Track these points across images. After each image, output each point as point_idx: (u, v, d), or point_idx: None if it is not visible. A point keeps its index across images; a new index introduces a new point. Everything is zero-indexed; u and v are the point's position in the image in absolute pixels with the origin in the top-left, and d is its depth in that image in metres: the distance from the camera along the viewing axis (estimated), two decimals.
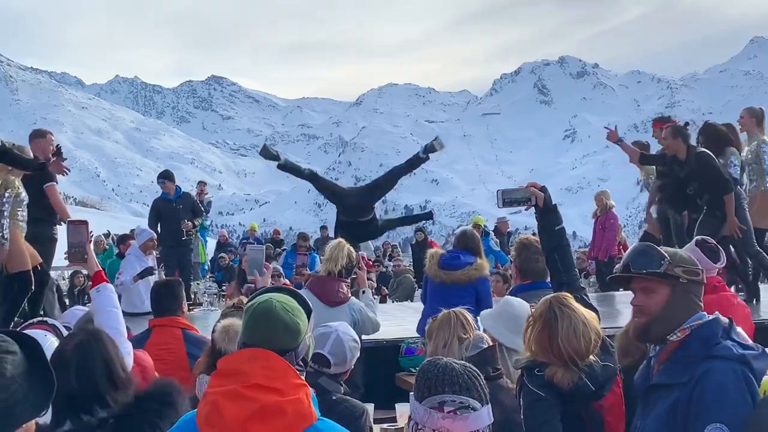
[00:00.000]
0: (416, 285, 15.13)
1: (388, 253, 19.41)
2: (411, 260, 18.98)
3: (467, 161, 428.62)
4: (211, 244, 20.10)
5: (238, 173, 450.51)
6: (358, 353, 4.62)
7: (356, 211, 11.15)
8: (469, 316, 4.84)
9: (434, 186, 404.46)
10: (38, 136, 9.16)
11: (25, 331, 3.86)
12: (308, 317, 3.15)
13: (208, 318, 10.33)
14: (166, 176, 12.95)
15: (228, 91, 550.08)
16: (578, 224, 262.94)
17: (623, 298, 11.26)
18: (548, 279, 5.51)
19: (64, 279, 17.01)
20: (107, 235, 17.57)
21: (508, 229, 19.32)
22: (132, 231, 14.82)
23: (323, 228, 22.86)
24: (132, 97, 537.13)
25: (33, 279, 8.35)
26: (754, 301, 9.93)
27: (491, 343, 4.73)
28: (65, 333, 4.09)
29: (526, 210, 5.70)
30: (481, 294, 7.32)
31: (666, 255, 3.40)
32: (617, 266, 3.47)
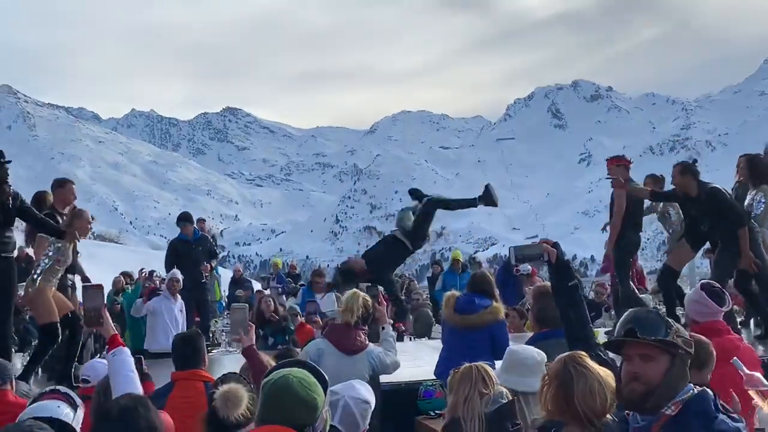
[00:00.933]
0: (434, 320, 14.94)
1: (405, 286, 19.06)
2: (428, 292, 18.65)
3: (482, 187, 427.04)
4: (225, 276, 19.99)
5: (254, 203, 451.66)
6: (371, 411, 4.51)
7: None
8: (491, 371, 4.83)
9: (450, 212, 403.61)
10: (58, 186, 9.24)
11: (37, 403, 4.08)
12: (324, 391, 3.12)
13: (223, 361, 10.32)
14: (185, 218, 13.14)
15: (243, 122, 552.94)
16: (595, 248, 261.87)
17: None
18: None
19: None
20: (127, 274, 17.31)
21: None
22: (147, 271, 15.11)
23: (345, 263, 22.70)
24: (148, 130, 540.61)
25: (60, 330, 8.47)
26: None
27: (510, 398, 4.72)
28: (78, 401, 4.06)
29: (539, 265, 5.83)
30: (498, 337, 7.26)
31: (671, 322, 3.35)
32: (618, 330, 3.34)
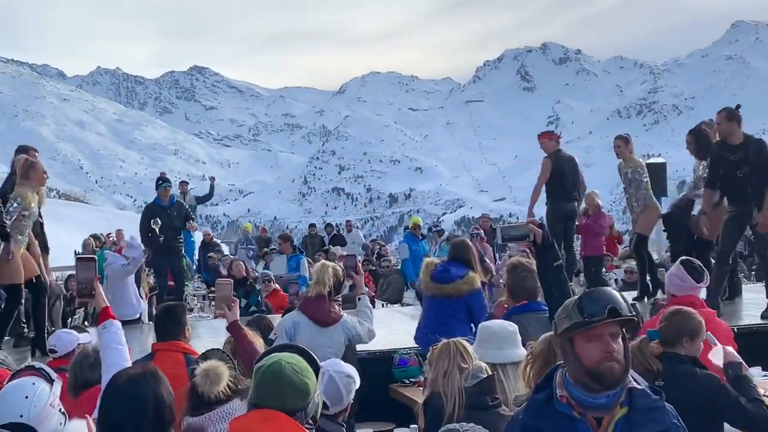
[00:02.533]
0: (405, 285, 15.00)
1: (376, 252, 19.12)
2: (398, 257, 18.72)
3: (451, 149, 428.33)
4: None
5: (221, 163, 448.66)
6: (355, 386, 4.55)
7: None
8: (469, 347, 4.90)
9: (418, 174, 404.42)
10: (20, 152, 9.17)
11: (11, 382, 4.06)
12: (317, 375, 3.17)
13: (198, 328, 10.32)
14: (165, 181, 13.11)
15: (210, 81, 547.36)
16: None
17: None
18: (540, 298, 5.83)
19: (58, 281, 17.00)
20: (96, 237, 17.20)
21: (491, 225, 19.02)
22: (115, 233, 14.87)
23: (312, 226, 22.57)
24: (114, 88, 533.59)
25: (22, 293, 8.43)
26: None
27: (490, 373, 4.78)
28: (54, 375, 4.10)
29: (523, 247, 5.82)
30: (474, 307, 7.29)
31: (634, 303, 3.42)
32: (592, 310, 3.26)
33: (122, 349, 4.86)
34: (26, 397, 3.83)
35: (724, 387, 4.86)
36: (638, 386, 3.33)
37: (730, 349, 5.08)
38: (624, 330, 3.32)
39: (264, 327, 6.79)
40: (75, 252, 18.57)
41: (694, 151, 10.53)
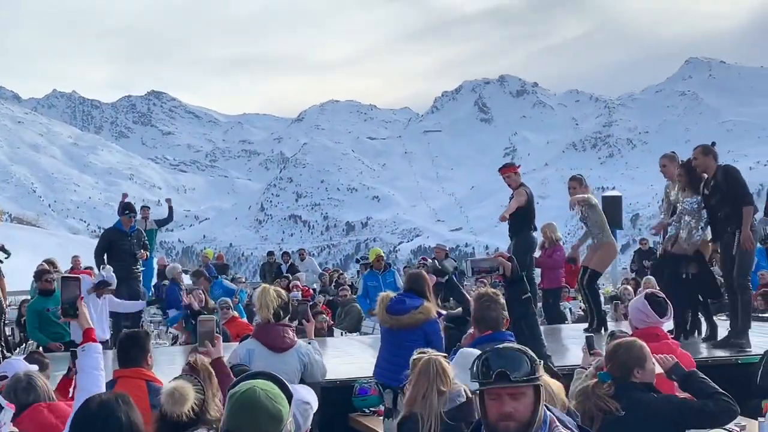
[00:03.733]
0: (363, 314, 14.95)
1: (335, 280, 19.03)
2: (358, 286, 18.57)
3: (408, 178, 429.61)
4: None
5: (177, 189, 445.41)
6: (312, 411, 4.51)
7: None
8: (448, 367, 4.90)
9: (375, 203, 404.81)
10: None
11: None
12: (289, 402, 3.20)
13: (155, 354, 10.21)
14: (130, 210, 13.25)
15: (168, 106, 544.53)
16: None
17: (569, 332, 11.54)
18: (504, 329, 5.93)
19: (10, 306, 16.69)
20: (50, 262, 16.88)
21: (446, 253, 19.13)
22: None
23: (270, 254, 22.41)
24: (70, 111, 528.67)
25: None
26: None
27: (470, 396, 4.77)
28: (3, 402, 4.21)
29: (495, 279, 5.81)
30: (430, 336, 7.29)
31: (535, 357, 3.39)
32: (482, 371, 3.34)
33: (97, 375, 4.81)
34: None
35: (683, 402, 4.98)
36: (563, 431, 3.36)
37: (663, 356, 5.23)
38: (536, 386, 3.34)
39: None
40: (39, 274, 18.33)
41: (685, 183, 10.16)
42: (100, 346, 4.98)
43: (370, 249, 17.29)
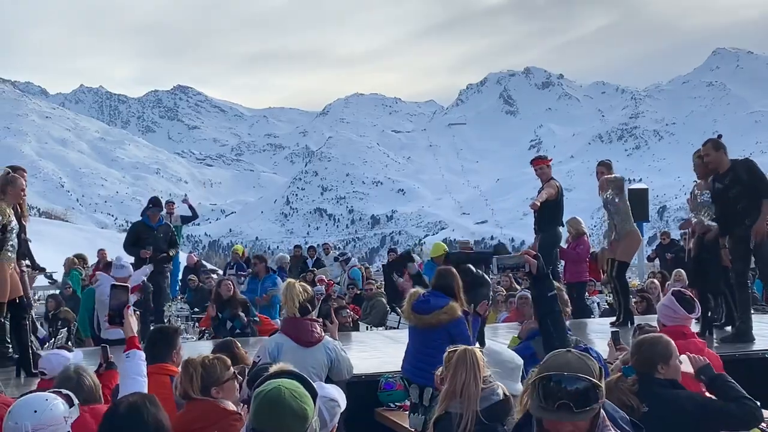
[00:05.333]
0: (388, 308, 14.96)
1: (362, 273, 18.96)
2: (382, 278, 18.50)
3: (433, 171, 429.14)
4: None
5: (204, 183, 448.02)
6: (340, 410, 4.45)
7: None
8: (481, 358, 4.89)
9: (401, 196, 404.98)
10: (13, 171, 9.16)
11: (24, 397, 4.25)
12: (314, 401, 3.22)
13: (183, 351, 10.27)
14: (156, 204, 13.29)
15: (194, 100, 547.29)
16: None
17: (595, 326, 11.48)
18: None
19: (39, 301, 16.85)
20: (80, 256, 16.99)
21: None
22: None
23: (297, 247, 22.28)
24: (97, 106, 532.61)
25: (4, 311, 8.44)
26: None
27: (506, 395, 4.79)
28: (76, 401, 4.23)
29: (520, 276, 5.72)
30: (455, 336, 7.15)
31: (598, 382, 3.37)
32: (545, 400, 3.33)
33: (141, 381, 4.91)
34: (35, 411, 4.03)
35: (707, 402, 4.96)
36: None
37: (695, 356, 5.19)
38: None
39: (228, 349, 6.46)
40: (49, 276, 18.47)
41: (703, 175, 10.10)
42: (143, 354, 5.08)
43: (431, 243, 16.90)
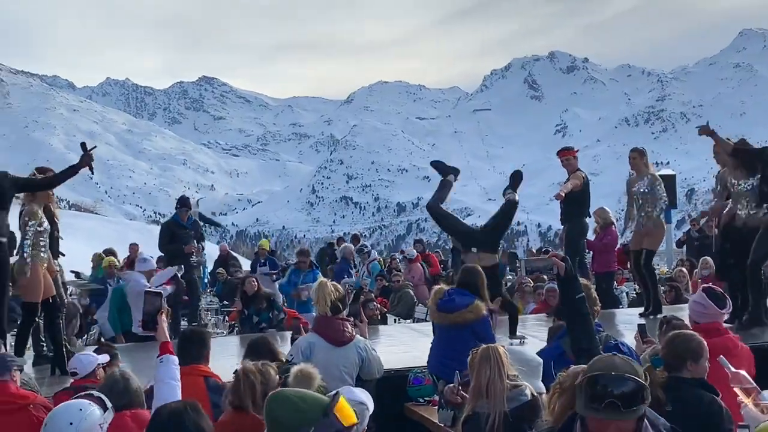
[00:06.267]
0: (416, 300, 14.99)
1: (388, 265, 18.97)
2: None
3: (458, 157, 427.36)
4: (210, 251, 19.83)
5: (230, 173, 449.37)
6: (368, 412, 4.52)
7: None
8: (504, 355, 4.92)
9: (426, 182, 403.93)
10: (39, 173, 9.26)
11: (60, 406, 4.37)
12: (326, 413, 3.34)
13: (213, 346, 10.33)
14: (185, 204, 13.64)
15: (219, 91, 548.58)
16: None
17: (623, 317, 11.42)
18: (596, 320, 5.97)
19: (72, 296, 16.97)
20: (110, 252, 17.02)
21: None
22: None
23: (330, 245, 21.99)
24: (123, 99, 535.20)
25: (38, 311, 8.57)
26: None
27: (535, 395, 4.81)
28: (109, 404, 4.32)
29: (549, 279, 5.72)
30: (480, 335, 7.23)
31: (644, 383, 3.40)
32: (593, 397, 3.35)
33: (175, 385, 4.97)
34: (71, 424, 4.13)
35: (723, 412, 4.88)
36: None
37: (743, 373, 5.01)
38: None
39: (263, 348, 6.60)
40: (75, 273, 18.64)
41: (737, 164, 9.94)
42: (176, 359, 5.13)
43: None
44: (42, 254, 8.52)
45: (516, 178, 10.68)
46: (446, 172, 10.77)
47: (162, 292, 5.53)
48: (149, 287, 10.74)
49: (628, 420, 3.33)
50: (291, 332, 8.34)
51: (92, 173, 8.76)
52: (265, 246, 17.85)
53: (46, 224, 8.65)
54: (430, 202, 10.62)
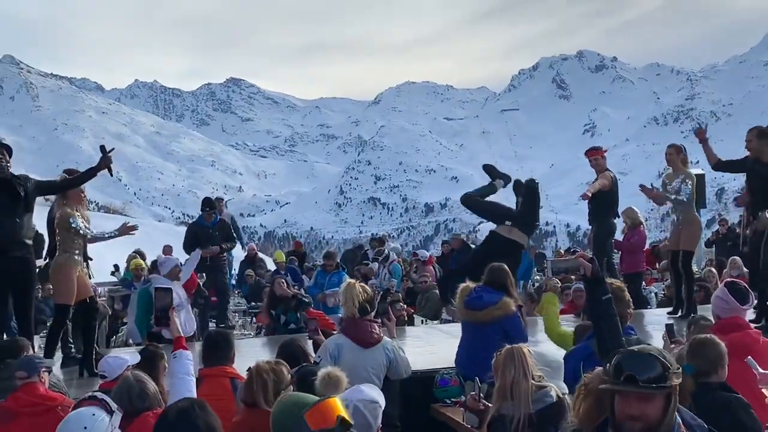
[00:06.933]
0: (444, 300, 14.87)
1: (415, 266, 18.83)
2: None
3: (486, 158, 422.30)
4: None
5: (258, 174, 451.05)
6: (381, 409, 4.52)
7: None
8: (529, 355, 4.95)
9: (454, 183, 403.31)
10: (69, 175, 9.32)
11: (73, 411, 4.38)
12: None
13: (240, 346, 10.33)
14: (210, 206, 13.42)
15: (247, 92, 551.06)
16: None
17: (652, 318, 11.30)
18: (628, 322, 5.92)
19: (101, 298, 17.03)
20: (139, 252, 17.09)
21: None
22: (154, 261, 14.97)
23: (359, 247, 21.74)
24: (152, 101, 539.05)
25: (69, 313, 8.63)
26: None
27: (560, 397, 4.79)
28: (114, 406, 4.33)
29: (575, 279, 5.60)
30: (510, 332, 7.20)
31: (668, 364, 3.38)
32: (612, 372, 3.40)
33: (189, 380, 5.04)
34: (85, 428, 4.15)
35: (749, 408, 4.86)
36: None
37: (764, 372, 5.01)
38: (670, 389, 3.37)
39: (297, 350, 6.65)
40: (115, 266, 18.70)
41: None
42: (190, 354, 5.20)
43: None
44: (75, 257, 8.57)
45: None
46: (496, 176, 10.85)
47: (171, 287, 5.56)
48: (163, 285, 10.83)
49: (647, 395, 3.33)
50: (308, 332, 8.27)
51: (111, 174, 8.85)
52: (280, 258, 17.80)
53: (83, 221, 8.71)
54: (465, 194, 10.83)
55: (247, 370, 5.18)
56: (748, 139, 9.86)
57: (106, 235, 8.95)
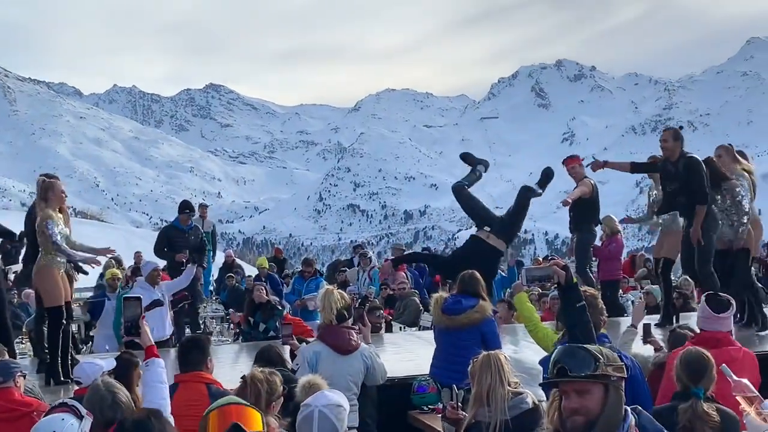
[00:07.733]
0: (422, 307, 14.84)
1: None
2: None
3: (466, 166, 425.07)
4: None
5: (237, 181, 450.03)
6: (346, 412, 4.51)
7: None
8: (506, 362, 4.96)
9: (433, 191, 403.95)
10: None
11: (44, 418, 4.43)
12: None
13: (218, 353, 10.26)
14: (187, 208, 13.24)
15: (226, 98, 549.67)
16: None
17: (627, 325, 11.31)
18: (603, 330, 6.04)
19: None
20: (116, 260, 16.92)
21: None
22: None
23: (358, 246, 21.61)
24: (130, 106, 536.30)
25: (63, 314, 8.60)
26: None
27: (536, 403, 4.80)
28: (84, 411, 4.34)
29: (550, 286, 5.66)
30: (487, 335, 7.34)
31: (599, 355, 3.45)
32: (549, 369, 3.53)
33: (162, 387, 5.05)
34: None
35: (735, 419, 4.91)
36: None
37: (746, 381, 4.97)
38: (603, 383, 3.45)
39: (274, 356, 6.76)
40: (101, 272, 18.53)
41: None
42: (162, 361, 5.17)
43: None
44: (59, 259, 8.52)
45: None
46: (475, 163, 10.95)
47: (141, 297, 5.52)
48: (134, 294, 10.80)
49: (584, 389, 3.42)
50: (282, 338, 8.20)
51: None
52: (264, 264, 17.69)
53: (64, 229, 8.65)
54: (456, 183, 10.92)
55: (242, 378, 5.13)
56: (664, 138, 10.11)
57: (77, 258, 8.80)
